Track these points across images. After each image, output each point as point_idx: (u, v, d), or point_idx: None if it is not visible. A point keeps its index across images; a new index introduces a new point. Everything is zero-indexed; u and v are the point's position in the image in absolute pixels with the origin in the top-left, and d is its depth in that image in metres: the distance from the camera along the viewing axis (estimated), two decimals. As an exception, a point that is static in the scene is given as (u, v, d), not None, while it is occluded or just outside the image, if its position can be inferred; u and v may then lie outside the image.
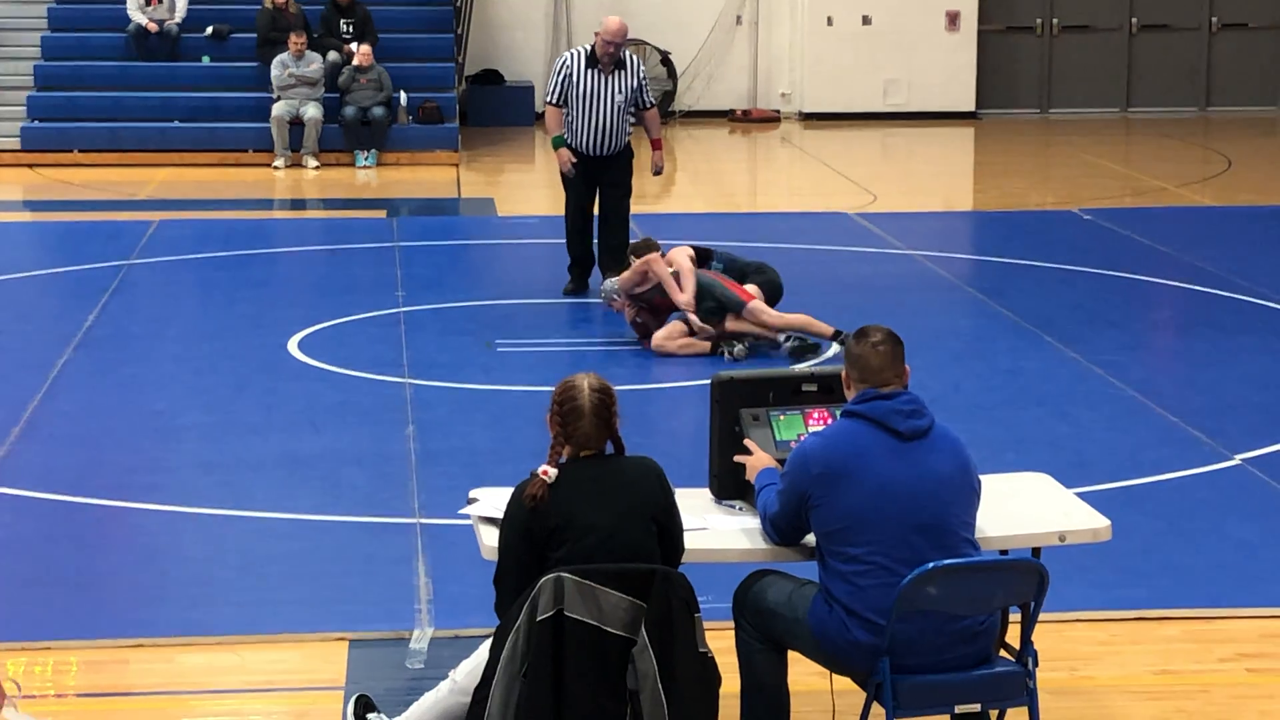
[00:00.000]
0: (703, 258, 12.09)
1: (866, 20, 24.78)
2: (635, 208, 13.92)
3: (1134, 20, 25.75)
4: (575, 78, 12.96)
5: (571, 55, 13.14)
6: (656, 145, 13.48)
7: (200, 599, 7.59)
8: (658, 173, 13.66)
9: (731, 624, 5.87)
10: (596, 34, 13.11)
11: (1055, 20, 25.70)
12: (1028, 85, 25.80)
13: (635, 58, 13.21)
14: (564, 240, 13.55)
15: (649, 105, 13.25)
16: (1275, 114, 25.75)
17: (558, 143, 13.29)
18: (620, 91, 12.96)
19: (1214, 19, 25.82)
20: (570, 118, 13.06)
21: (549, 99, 13.21)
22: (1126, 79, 25.88)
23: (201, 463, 9.49)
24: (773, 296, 11.96)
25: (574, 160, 13.22)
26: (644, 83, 13.16)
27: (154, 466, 9.45)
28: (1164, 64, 25.82)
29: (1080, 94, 25.80)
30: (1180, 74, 25.86)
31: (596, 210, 13.38)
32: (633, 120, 13.23)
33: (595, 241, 13.46)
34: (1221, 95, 25.94)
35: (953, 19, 24.93)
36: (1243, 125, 24.58)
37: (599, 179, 13.13)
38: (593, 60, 12.97)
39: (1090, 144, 22.75)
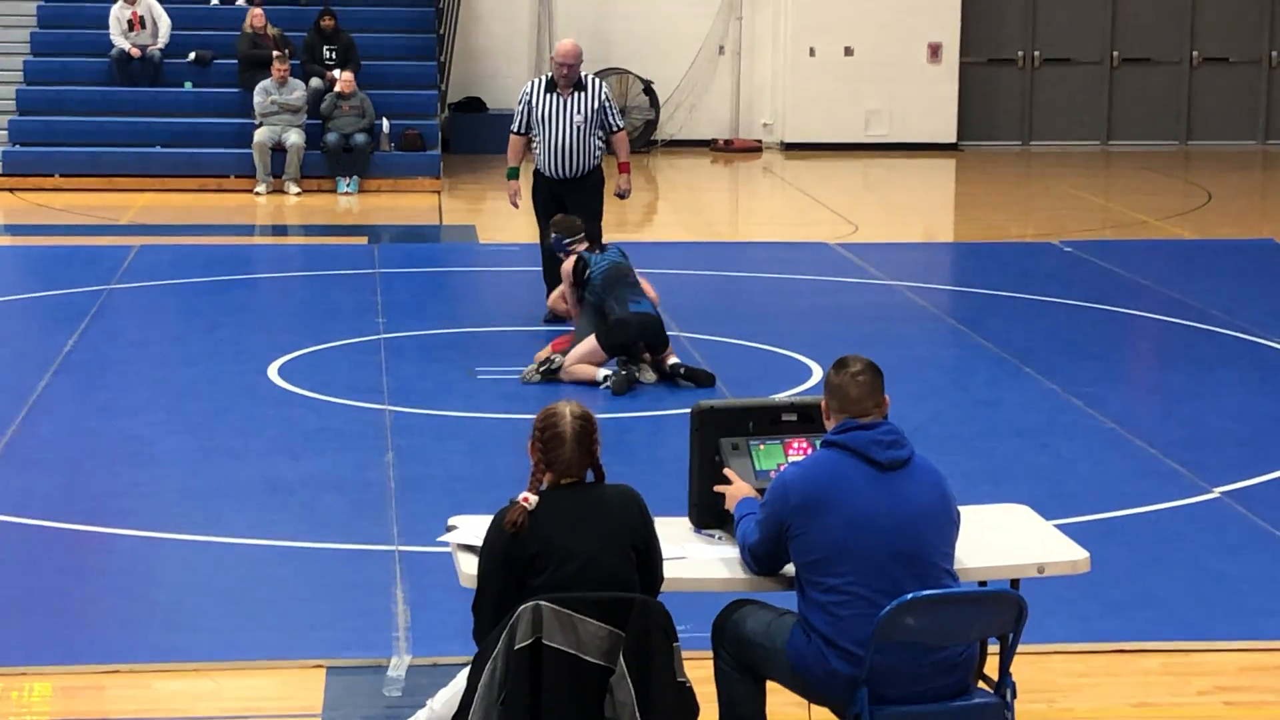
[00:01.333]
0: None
1: (849, 51, 24.85)
2: (616, 236, 13.94)
3: (1115, 54, 25.85)
4: (535, 102, 13.10)
5: (532, 83, 13.34)
6: (623, 168, 13.53)
7: (177, 625, 7.56)
8: (621, 195, 13.68)
9: (710, 653, 5.86)
10: (551, 57, 13.22)
11: (1037, 53, 25.79)
12: (1009, 117, 25.89)
13: (597, 80, 13.29)
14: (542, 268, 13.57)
15: (615, 129, 13.29)
16: (1255, 148, 25.86)
17: (510, 174, 13.52)
18: (579, 113, 13.01)
19: (1195, 53, 25.92)
20: (537, 144, 13.15)
21: (512, 127, 13.33)
22: (1108, 112, 25.97)
23: (180, 488, 9.46)
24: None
25: (518, 193, 13.47)
26: (607, 105, 13.19)
27: (132, 492, 9.42)
28: (1145, 98, 25.92)
29: (1061, 127, 25.89)
30: (1161, 107, 25.95)
31: None
32: (601, 145, 13.25)
33: None
34: (1202, 129, 26.04)
35: (934, 51, 25.01)
36: (1223, 159, 24.67)
37: (566, 203, 13.14)
38: (551, 84, 13.06)
39: (1071, 176, 22.82)
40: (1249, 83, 26.08)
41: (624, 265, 11.87)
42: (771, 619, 5.75)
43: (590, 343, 11.64)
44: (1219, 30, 25.95)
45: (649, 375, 11.66)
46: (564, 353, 11.71)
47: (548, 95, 13.07)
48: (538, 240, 13.70)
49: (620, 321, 11.58)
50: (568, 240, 12.05)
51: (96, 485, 9.58)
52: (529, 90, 13.21)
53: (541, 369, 11.61)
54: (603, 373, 11.52)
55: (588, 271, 11.80)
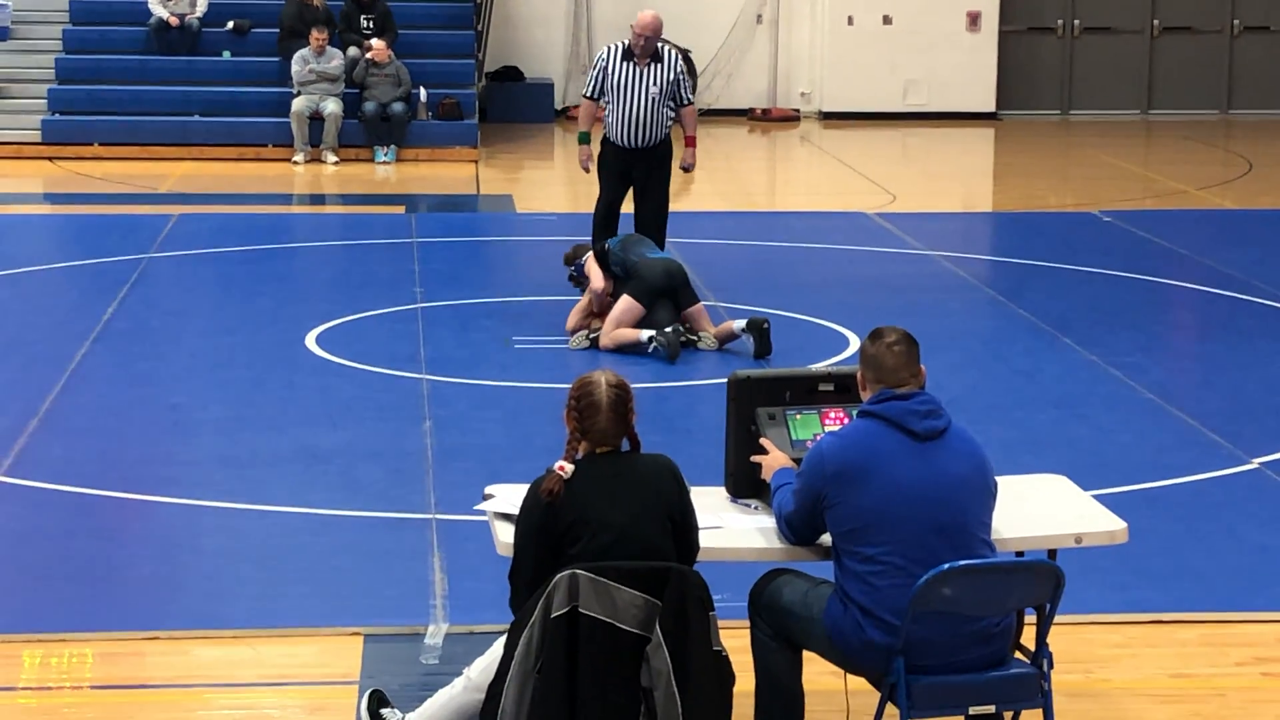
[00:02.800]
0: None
1: (887, 20, 24.76)
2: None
3: (1156, 22, 25.71)
4: (610, 70, 12.92)
5: (609, 49, 13.11)
6: (690, 142, 13.39)
7: (216, 593, 7.60)
8: (687, 169, 13.59)
9: (746, 623, 5.86)
10: (631, 26, 13.11)
11: (1076, 21, 25.66)
12: (1048, 86, 25.76)
13: (674, 53, 13.12)
14: (587, 237, 13.52)
15: (686, 102, 13.10)
16: (1297, 117, 25.70)
17: (581, 138, 13.34)
18: (655, 84, 12.88)
19: (1236, 21, 25.76)
20: (609, 112, 13.04)
21: (585, 92, 13.21)
22: (1148, 81, 25.83)
23: (218, 457, 9.50)
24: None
25: (591, 158, 13.24)
26: (681, 78, 13.03)
27: (171, 460, 9.46)
28: (1185, 66, 25.77)
29: (1101, 96, 25.75)
30: (1202, 76, 25.81)
31: (631, 209, 13.31)
32: (672, 116, 13.14)
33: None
34: (1243, 98, 25.89)
35: (974, 19, 24.90)
36: (1264, 128, 24.52)
37: (634, 173, 13.10)
38: (629, 53, 12.95)
39: (1111, 146, 22.72)
40: (1290, 51, 25.92)
41: (641, 237, 12.06)
42: (808, 588, 5.75)
43: (624, 302, 11.67)
44: (1260, -2, 25.79)
45: (710, 342, 11.67)
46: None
47: (624, 63, 12.89)
48: (579, 209, 13.68)
49: (643, 264, 11.76)
50: (581, 260, 12.12)
51: (135, 453, 9.63)
52: (604, 56, 13.03)
53: (591, 337, 11.67)
54: (646, 334, 11.52)
55: (608, 251, 11.90)
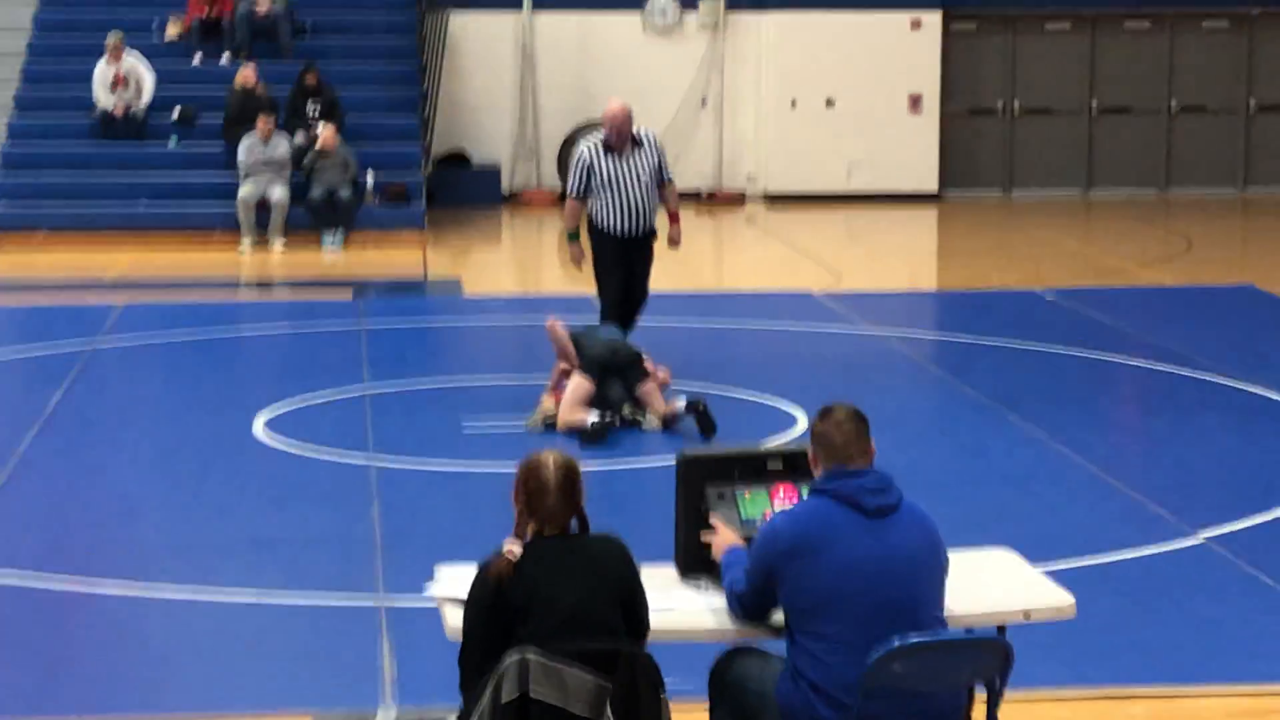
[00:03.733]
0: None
1: (830, 103, 24.96)
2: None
3: (1094, 103, 25.97)
4: (596, 166, 12.82)
5: (588, 147, 12.97)
6: (674, 219, 13.31)
7: (164, 679, 7.56)
8: (674, 244, 13.48)
9: (698, 704, 5.86)
10: (601, 123, 13.02)
11: (1017, 103, 25.90)
12: (990, 167, 25.98)
13: (650, 133, 13.06)
14: (537, 320, 13.44)
15: (667, 179, 13.08)
16: (1234, 195, 25.97)
17: (571, 237, 13.24)
18: (644, 170, 12.84)
19: (1173, 102, 26.05)
20: (602, 205, 12.89)
21: (570, 192, 13.12)
22: (1088, 160, 26.08)
23: (166, 544, 9.45)
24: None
25: (583, 255, 13.17)
26: (663, 157, 13.03)
27: (118, 547, 9.42)
28: (1124, 146, 26.03)
29: (1042, 175, 25.98)
30: (1141, 156, 26.07)
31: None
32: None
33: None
34: (1181, 176, 26.15)
35: (915, 101, 25.12)
36: (1203, 206, 24.77)
37: (633, 260, 13.05)
38: (609, 146, 12.92)
39: (1052, 224, 22.90)
40: (1227, 130, 26.21)
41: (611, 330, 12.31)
42: (764, 665, 5.75)
43: (574, 379, 11.73)
44: (1197, 79, 26.08)
45: (653, 422, 11.70)
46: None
47: (608, 156, 12.82)
48: (526, 291, 13.69)
49: (589, 340, 11.93)
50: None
51: (82, 542, 9.57)
52: (587, 154, 12.90)
53: (546, 420, 11.69)
54: (591, 418, 11.54)
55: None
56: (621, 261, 13.03)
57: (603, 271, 13.13)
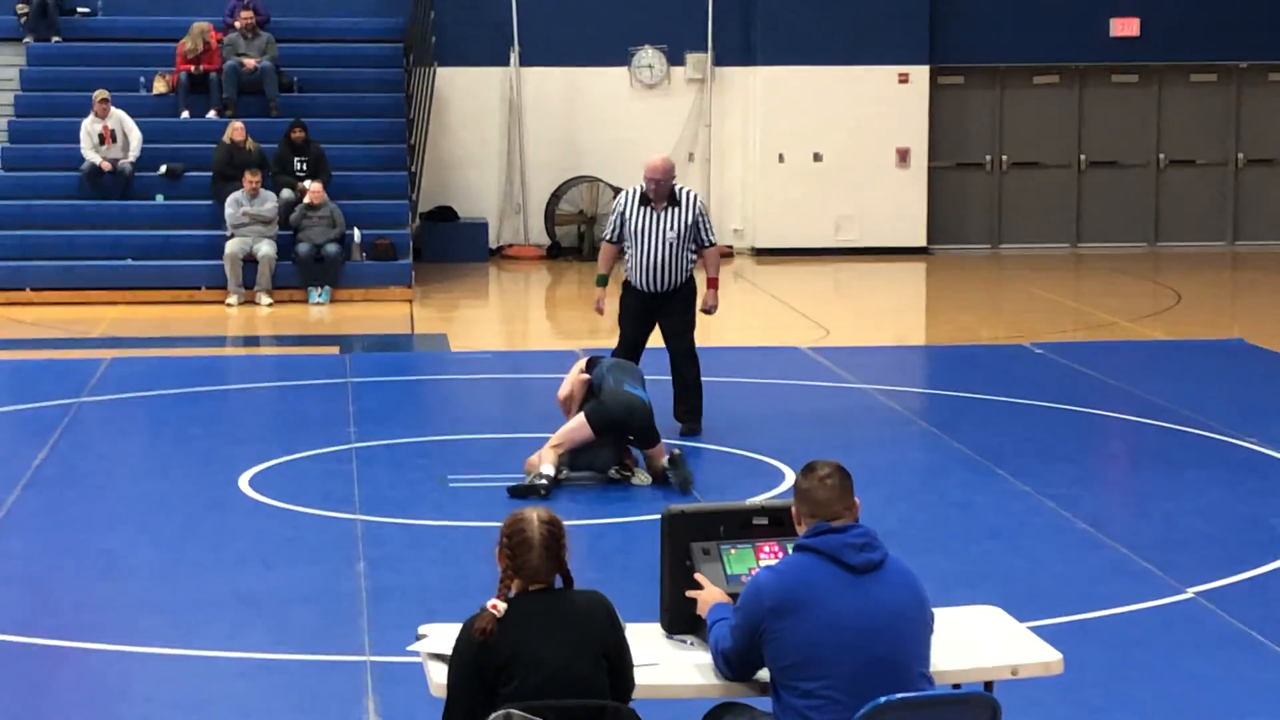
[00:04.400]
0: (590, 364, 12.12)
1: (818, 157, 25.03)
2: (588, 342, 13.93)
3: (1083, 157, 26.05)
4: (628, 214, 12.86)
5: (626, 194, 13.04)
6: (711, 284, 13.26)
7: (147, 739, 7.50)
8: (709, 311, 13.44)
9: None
10: (644, 173, 13.01)
11: (1005, 157, 25.98)
12: (978, 221, 26.04)
13: (692, 194, 13.01)
14: (524, 375, 13.46)
15: (709, 243, 13.00)
16: (1223, 249, 26.03)
17: (600, 281, 13.28)
18: (672, 228, 12.78)
19: (1161, 155, 26.13)
20: (629, 255, 12.93)
21: (605, 235, 13.16)
22: (1076, 215, 26.15)
23: (150, 602, 9.40)
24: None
25: (604, 300, 13.22)
26: (701, 220, 12.93)
27: (102, 605, 9.36)
28: (1113, 200, 26.11)
29: (1030, 229, 26.05)
30: (1129, 210, 26.14)
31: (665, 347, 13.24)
32: (693, 258, 13.03)
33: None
34: (1170, 230, 26.23)
35: (903, 155, 25.19)
36: (1192, 260, 24.82)
37: (656, 315, 13.03)
38: (645, 198, 12.88)
39: (1041, 279, 22.94)
40: (1216, 184, 26.30)
41: (634, 367, 12.01)
42: (751, 722, 5.73)
43: (578, 420, 11.62)
44: (1185, 132, 26.18)
45: (643, 478, 11.66)
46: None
47: (641, 208, 12.82)
48: (514, 347, 13.69)
49: (609, 396, 11.62)
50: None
51: (66, 599, 9.52)
52: (623, 201, 12.97)
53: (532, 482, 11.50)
54: (546, 468, 11.41)
55: (599, 361, 11.95)
56: (639, 315, 13.02)
57: (621, 319, 13.19)
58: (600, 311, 13.42)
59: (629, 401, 11.63)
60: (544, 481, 11.36)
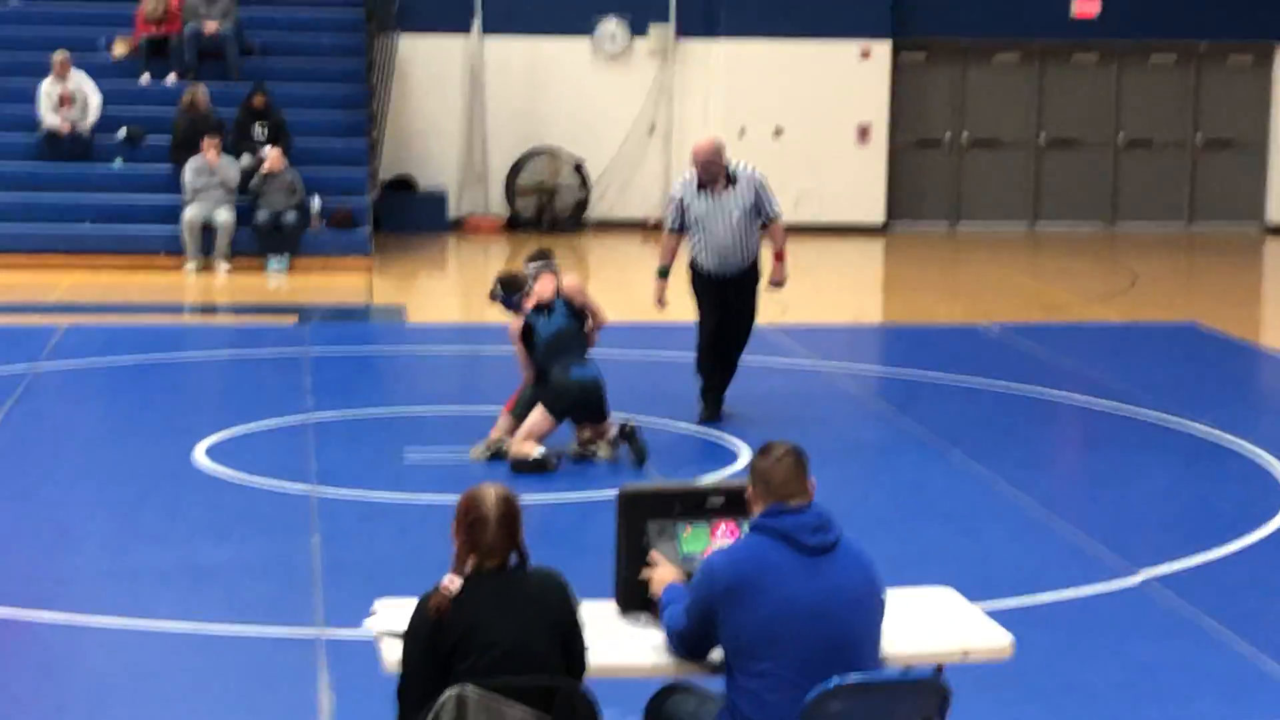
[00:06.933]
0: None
1: (779, 132, 25.01)
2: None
3: (1042, 136, 26.10)
4: (687, 202, 12.66)
5: (683, 182, 12.82)
6: (778, 258, 13.01)
7: (99, 710, 7.49)
8: (778, 285, 13.21)
9: (636, 740, 5.84)
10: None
11: (965, 134, 26.02)
12: (937, 199, 26.08)
13: (750, 169, 12.77)
14: (479, 346, 13.41)
15: (772, 216, 12.77)
16: (1181, 230, 26.12)
17: (661, 272, 13.05)
18: (736, 208, 12.57)
19: (1121, 135, 26.21)
20: (695, 243, 12.75)
21: (667, 225, 12.96)
22: (1035, 194, 26.20)
23: (103, 572, 9.38)
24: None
25: (665, 291, 13.02)
26: (761, 192, 12.68)
27: (54, 575, 9.34)
28: (1072, 179, 26.17)
29: (989, 208, 26.09)
30: (1088, 190, 26.21)
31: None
32: (760, 232, 12.81)
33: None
34: (1128, 211, 26.30)
35: (863, 132, 25.20)
36: (1149, 242, 24.91)
37: (729, 298, 12.84)
38: (700, 184, 12.68)
39: (998, 258, 23.00)
40: (1174, 166, 26.37)
41: (568, 330, 11.86)
42: (699, 702, 5.74)
43: (537, 413, 11.62)
44: (1144, 113, 26.25)
45: (606, 451, 11.67)
46: (514, 414, 11.69)
47: (700, 194, 12.60)
48: (470, 320, 13.66)
49: (561, 385, 11.62)
50: (516, 296, 12.04)
51: (17, 569, 9.49)
52: (680, 190, 12.76)
53: (491, 450, 11.60)
54: (537, 453, 11.48)
55: (533, 335, 11.82)
56: (716, 301, 12.84)
57: (699, 309, 13.01)
58: (662, 304, 13.15)
59: (582, 385, 11.68)
60: (553, 457, 11.44)
